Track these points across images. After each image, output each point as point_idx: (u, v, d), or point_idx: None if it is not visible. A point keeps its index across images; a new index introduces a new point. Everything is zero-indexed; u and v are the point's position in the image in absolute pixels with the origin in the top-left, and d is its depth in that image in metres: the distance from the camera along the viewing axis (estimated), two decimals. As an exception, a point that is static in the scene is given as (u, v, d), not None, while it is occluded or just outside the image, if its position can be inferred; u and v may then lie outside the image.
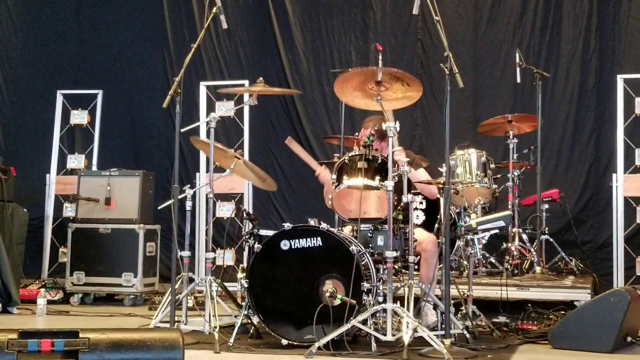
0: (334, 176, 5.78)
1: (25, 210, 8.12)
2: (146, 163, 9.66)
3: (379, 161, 5.63)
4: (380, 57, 6.77)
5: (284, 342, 5.33)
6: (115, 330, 2.82)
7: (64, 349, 2.75)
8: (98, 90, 9.56)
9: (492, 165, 7.24)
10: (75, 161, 9.36)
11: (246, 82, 8.69)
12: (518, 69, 7.94)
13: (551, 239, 7.82)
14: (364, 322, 5.26)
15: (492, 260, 7.54)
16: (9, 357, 2.72)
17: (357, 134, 6.45)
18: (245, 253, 6.15)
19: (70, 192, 8.84)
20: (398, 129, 5.48)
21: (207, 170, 6.25)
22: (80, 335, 2.78)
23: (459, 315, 5.84)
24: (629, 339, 5.45)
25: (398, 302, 5.34)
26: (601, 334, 5.32)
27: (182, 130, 5.81)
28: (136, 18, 10.64)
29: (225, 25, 6.19)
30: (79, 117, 9.45)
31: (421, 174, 6.28)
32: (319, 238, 5.45)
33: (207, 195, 6.09)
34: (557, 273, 7.59)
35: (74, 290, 8.08)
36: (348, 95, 5.92)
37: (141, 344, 2.77)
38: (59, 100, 9.53)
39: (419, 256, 5.92)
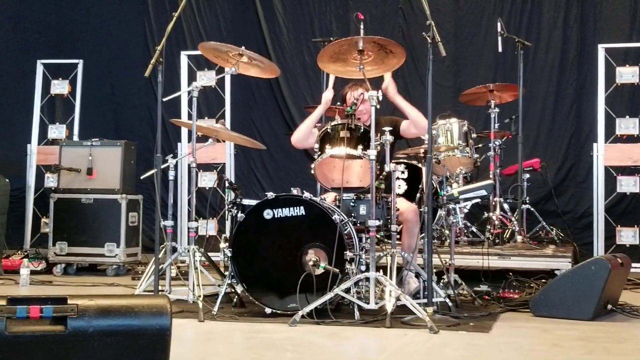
0: (317, 145, 5.78)
1: (7, 180, 8.07)
2: (127, 133, 9.64)
3: (362, 130, 5.63)
4: (361, 26, 6.74)
5: (268, 310, 5.35)
6: (103, 297, 2.83)
7: (53, 315, 2.76)
8: (78, 59, 9.50)
9: (474, 135, 7.27)
10: (57, 131, 9.35)
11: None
12: (499, 38, 7.90)
13: (532, 209, 7.84)
14: (347, 290, 5.28)
15: (474, 229, 7.59)
16: (-2, 324, 2.73)
17: (339, 103, 6.45)
18: (228, 223, 6.15)
19: (51, 163, 8.82)
20: (380, 98, 5.47)
21: (189, 140, 6.23)
22: (69, 301, 2.79)
23: (441, 284, 5.87)
24: (609, 306, 5.51)
25: (381, 270, 5.37)
26: (582, 302, 5.37)
27: (164, 99, 5.79)
28: (116, -14, 10.56)
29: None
30: (59, 86, 9.42)
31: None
32: (301, 207, 5.45)
33: (189, 165, 6.07)
34: (538, 242, 7.61)
35: (56, 261, 8.07)
36: (331, 65, 5.92)
37: (129, 310, 2.78)
38: (39, 69, 9.47)
39: (401, 225, 5.94)
